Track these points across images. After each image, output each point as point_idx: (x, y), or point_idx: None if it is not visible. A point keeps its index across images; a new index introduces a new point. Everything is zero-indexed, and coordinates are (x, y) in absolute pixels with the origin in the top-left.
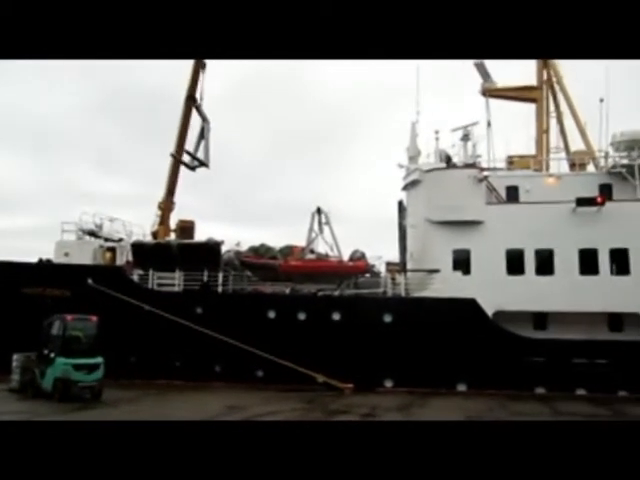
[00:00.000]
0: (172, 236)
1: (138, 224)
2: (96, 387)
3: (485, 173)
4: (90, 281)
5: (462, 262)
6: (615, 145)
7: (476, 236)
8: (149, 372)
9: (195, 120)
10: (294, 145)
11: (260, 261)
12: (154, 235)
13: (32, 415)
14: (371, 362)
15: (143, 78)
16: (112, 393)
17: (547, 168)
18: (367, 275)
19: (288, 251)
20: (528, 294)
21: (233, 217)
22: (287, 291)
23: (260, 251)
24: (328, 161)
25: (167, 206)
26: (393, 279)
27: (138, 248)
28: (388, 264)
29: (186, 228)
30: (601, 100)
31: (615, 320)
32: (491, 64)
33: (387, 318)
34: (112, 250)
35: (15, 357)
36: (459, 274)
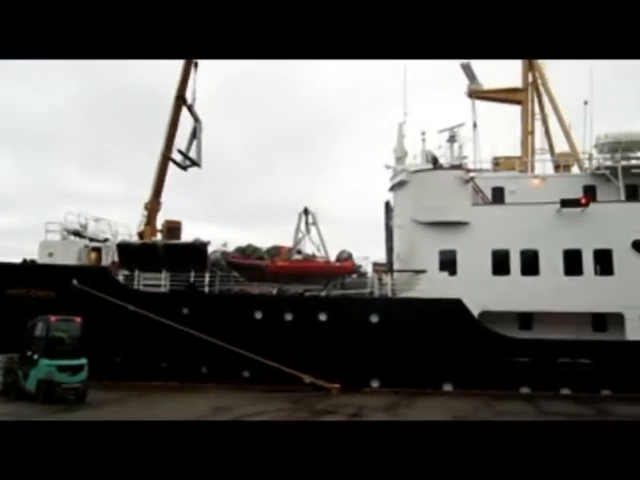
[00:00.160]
0: (158, 236)
1: (124, 224)
2: (80, 388)
3: (471, 174)
4: (75, 282)
5: (448, 263)
6: (599, 147)
7: (462, 237)
8: (135, 373)
9: (184, 120)
10: (280, 145)
11: (247, 262)
12: (140, 235)
13: (15, 417)
14: (358, 362)
15: (130, 79)
16: (97, 394)
17: (532, 169)
18: (354, 276)
19: (275, 252)
20: (513, 294)
21: (220, 217)
22: (274, 292)
23: (247, 251)
24: (315, 161)
25: (154, 206)
26: (380, 279)
27: (124, 248)
28: (375, 265)
29: (173, 228)
30: (585, 103)
31: (599, 320)
32: (478, 66)
33: (374, 318)
34: (97, 250)
35: None
36: (445, 275)
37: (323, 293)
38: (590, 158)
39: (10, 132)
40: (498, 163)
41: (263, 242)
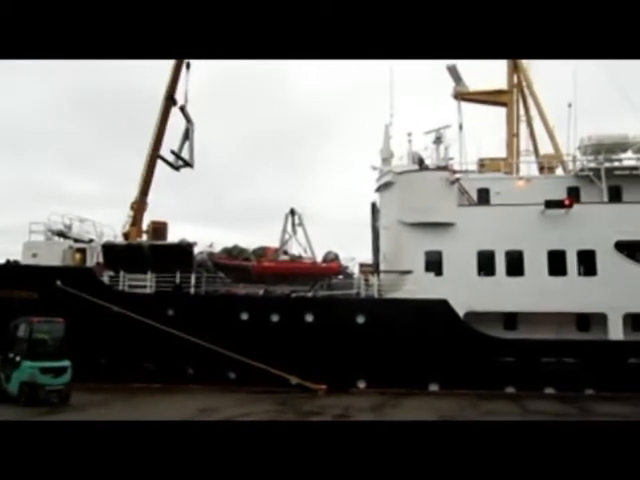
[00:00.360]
0: (144, 237)
1: (109, 225)
2: (63, 391)
3: (457, 175)
4: (59, 283)
5: (434, 263)
6: (582, 149)
7: (448, 238)
8: (120, 375)
9: (172, 121)
10: (266, 146)
11: (233, 262)
12: (125, 236)
13: None
14: (344, 363)
15: (117, 78)
16: (81, 397)
17: (517, 171)
18: (340, 276)
19: (261, 252)
20: (498, 295)
21: (206, 218)
22: (260, 292)
23: (233, 252)
24: (302, 162)
25: (140, 206)
26: (366, 280)
27: (109, 249)
28: (361, 265)
29: (158, 229)
30: (569, 105)
31: (582, 320)
32: (464, 68)
33: (360, 319)
34: (82, 251)
35: None
36: (431, 275)
37: (310, 294)
38: (574, 160)
39: None
40: (484, 164)
41: (249, 243)
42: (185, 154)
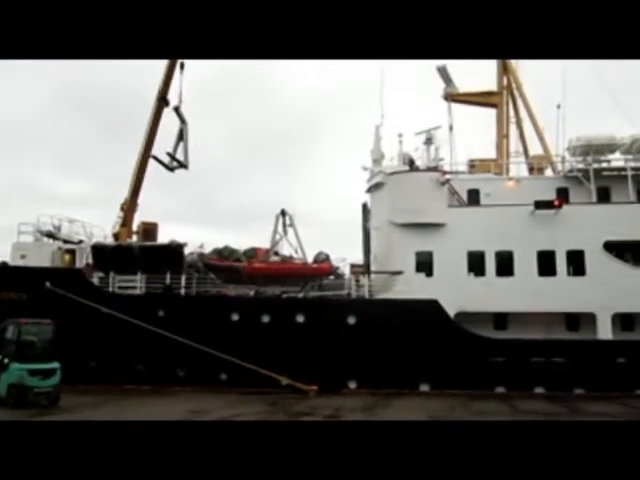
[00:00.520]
0: (134, 238)
1: (99, 226)
2: (52, 393)
3: (447, 176)
4: (48, 284)
5: (425, 264)
6: (571, 150)
7: (438, 238)
8: (110, 377)
9: (166, 121)
10: (257, 146)
11: (224, 263)
12: (115, 237)
13: None
14: (335, 364)
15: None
16: (70, 399)
17: (507, 172)
18: (331, 277)
19: (252, 253)
20: (489, 295)
21: (197, 219)
22: (251, 293)
23: (224, 253)
24: (293, 163)
25: (130, 207)
26: (357, 281)
27: (98, 250)
28: (352, 266)
29: (149, 230)
30: (558, 106)
31: (572, 320)
32: (454, 69)
33: (351, 320)
34: (71, 252)
35: None
36: (422, 276)
37: (300, 295)
38: (563, 161)
39: None
40: (474, 165)
41: (240, 244)
42: (179, 155)
